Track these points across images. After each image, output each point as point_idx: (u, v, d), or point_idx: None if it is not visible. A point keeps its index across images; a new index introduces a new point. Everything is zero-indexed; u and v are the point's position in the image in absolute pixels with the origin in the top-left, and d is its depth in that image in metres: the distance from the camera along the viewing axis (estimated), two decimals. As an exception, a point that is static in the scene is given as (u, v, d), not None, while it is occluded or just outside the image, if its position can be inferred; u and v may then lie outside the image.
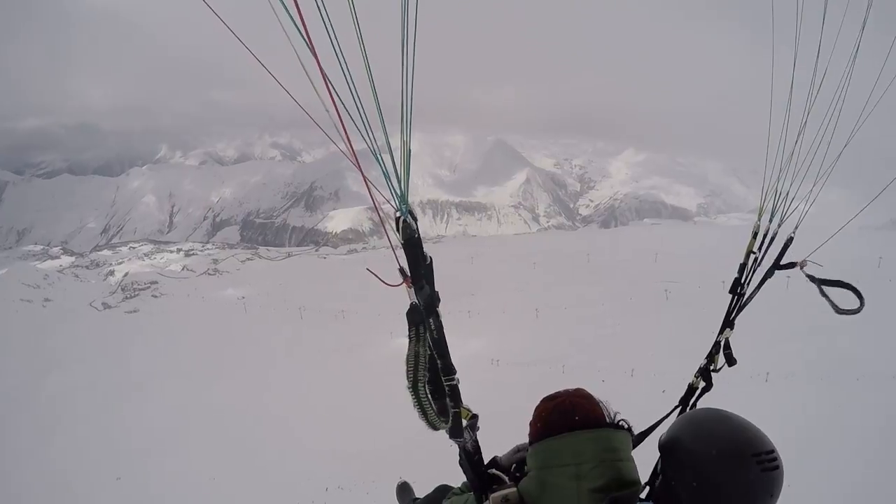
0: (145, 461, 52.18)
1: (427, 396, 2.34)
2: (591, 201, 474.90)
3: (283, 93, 1.76)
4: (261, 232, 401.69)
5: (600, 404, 2.65)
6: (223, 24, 1.76)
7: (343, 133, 1.86)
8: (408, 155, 2.11)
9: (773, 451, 2.25)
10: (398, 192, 2.14)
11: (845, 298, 3.67)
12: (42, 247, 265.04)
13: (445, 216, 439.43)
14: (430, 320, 2.38)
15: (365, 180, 2.13)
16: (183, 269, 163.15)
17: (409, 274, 2.28)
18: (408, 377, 2.29)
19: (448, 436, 2.70)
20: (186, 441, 54.69)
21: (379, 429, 47.38)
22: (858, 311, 3.57)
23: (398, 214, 2.18)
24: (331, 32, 1.71)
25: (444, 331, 2.49)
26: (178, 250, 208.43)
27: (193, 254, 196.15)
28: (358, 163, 2.04)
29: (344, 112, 1.85)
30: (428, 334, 2.38)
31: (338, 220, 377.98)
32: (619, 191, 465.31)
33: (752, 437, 2.30)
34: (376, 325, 76.97)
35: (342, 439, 48.74)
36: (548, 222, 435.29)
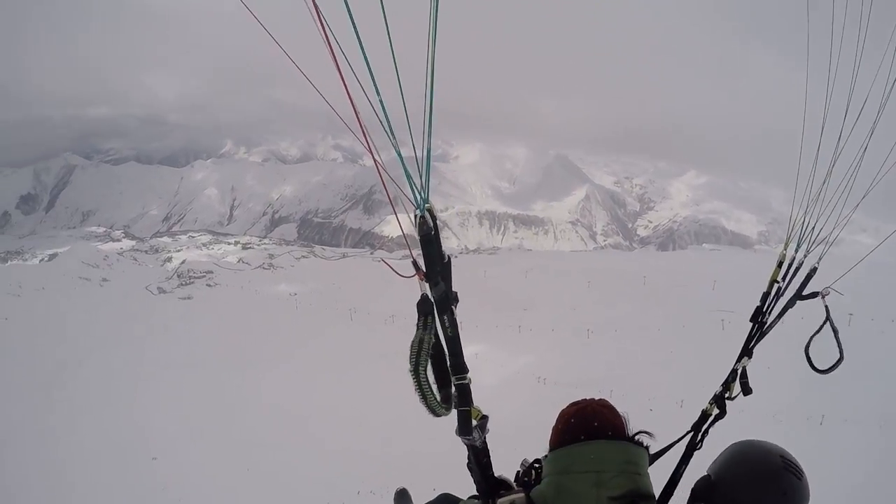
0: (182, 445, 52.47)
1: (427, 381, 2.37)
2: (650, 222, 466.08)
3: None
4: (318, 231, 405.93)
5: (622, 417, 2.67)
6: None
7: (360, 127, 1.98)
8: (429, 151, 2.13)
9: (798, 465, 2.52)
10: (418, 188, 2.19)
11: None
12: (105, 229, 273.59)
13: (502, 228, 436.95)
14: (445, 317, 2.45)
15: (381, 177, 2.24)
16: (239, 261, 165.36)
17: (422, 269, 2.36)
18: (410, 361, 2.33)
19: (456, 433, 2.71)
20: (225, 430, 54.87)
21: (419, 437, 46.66)
22: (832, 370, 3.65)
23: (417, 212, 2.22)
24: (357, 30, 1.74)
25: (459, 329, 2.54)
26: (236, 243, 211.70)
27: (250, 247, 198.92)
28: (373, 151, 2.15)
29: (369, 108, 1.96)
30: (441, 330, 2.45)
31: (395, 225, 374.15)
32: (679, 213, 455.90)
33: (779, 448, 2.60)
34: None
35: (381, 444, 48.25)
36: (605, 241, 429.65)
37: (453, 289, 2.46)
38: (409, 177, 2.12)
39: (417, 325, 2.36)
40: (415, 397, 2.31)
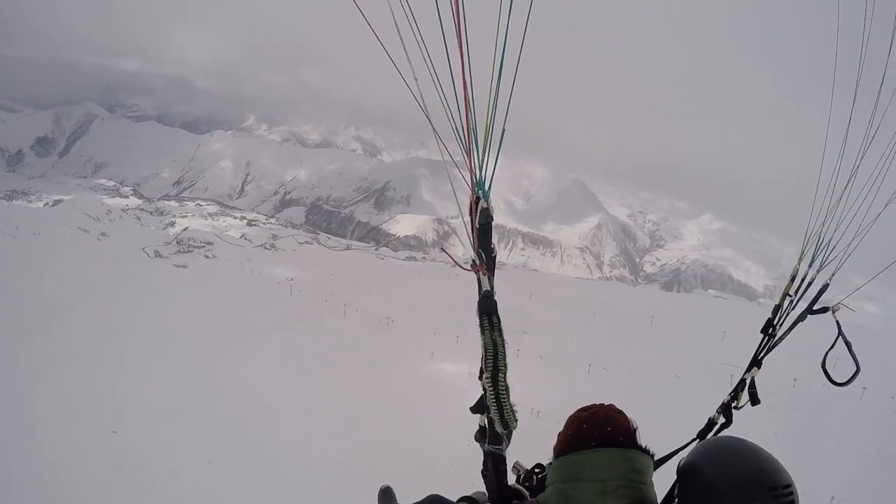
0: (146, 421, 49.95)
1: (507, 391, 2.38)
2: (658, 260, 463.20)
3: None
4: (326, 219, 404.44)
5: (632, 423, 2.61)
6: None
7: (453, 108, 1.97)
8: (501, 134, 2.12)
9: (789, 485, 2.29)
10: (479, 173, 2.15)
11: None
12: (114, 183, 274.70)
13: (510, 244, 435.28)
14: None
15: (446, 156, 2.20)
16: (241, 236, 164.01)
17: (483, 260, 2.29)
18: (486, 367, 2.35)
19: (486, 441, 2.70)
20: (193, 413, 52.24)
21: (394, 449, 44.26)
22: (850, 383, 3.62)
23: (477, 197, 2.18)
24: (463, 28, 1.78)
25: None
26: (242, 218, 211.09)
27: (255, 224, 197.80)
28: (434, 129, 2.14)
29: (432, 87, 1.93)
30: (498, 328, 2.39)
31: (403, 225, 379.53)
32: (689, 256, 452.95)
33: (769, 469, 2.34)
34: (420, 342, 73.44)
35: (352, 452, 45.52)
36: (611, 272, 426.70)
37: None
38: (468, 157, 2.10)
39: (482, 325, 2.32)
40: (401, 415, 2.27)
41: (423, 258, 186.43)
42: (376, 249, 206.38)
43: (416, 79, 1.91)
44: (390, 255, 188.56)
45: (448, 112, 1.93)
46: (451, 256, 2.52)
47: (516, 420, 2.42)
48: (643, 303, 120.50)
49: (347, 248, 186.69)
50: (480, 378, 2.36)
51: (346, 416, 52.85)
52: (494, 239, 2.28)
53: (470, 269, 2.26)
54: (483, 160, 2.04)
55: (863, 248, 3.80)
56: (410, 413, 53.32)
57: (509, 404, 2.32)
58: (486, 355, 2.28)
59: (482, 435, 2.68)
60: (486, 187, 2.10)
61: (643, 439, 2.56)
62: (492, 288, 2.28)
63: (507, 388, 2.31)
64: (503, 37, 1.81)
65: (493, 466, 2.83)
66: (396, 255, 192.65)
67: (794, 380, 57.55)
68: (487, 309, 2.28)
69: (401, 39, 1.77)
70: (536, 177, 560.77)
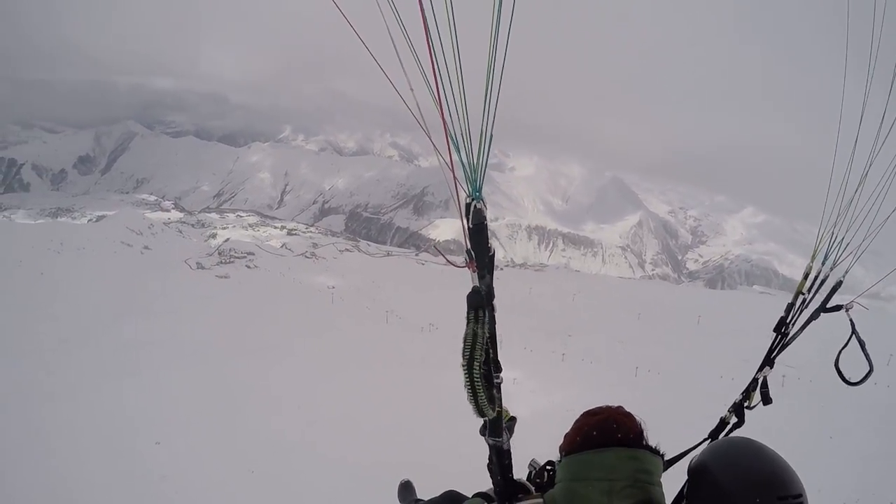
0: (188, 432, 49.26)
1: (480, 379, 2.41)
2: (701, 256, 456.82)
3: (406, 91, 1.99)
4: (365, 226, 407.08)
5: (640, 423, 2.62)
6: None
7: (439, 105, 1.94)
8: (489, 139, 2.12)
9: (800, 494, 2.25)
10: (471, 175, 2.18)
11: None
12: (156, 198, 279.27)
13: (551, 245, 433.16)
14: (486, 312, 2.45)
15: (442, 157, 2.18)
16: (282, 246, 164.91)
17: (474, 258, 2.35)
18: (463, 355, 2.38)
19: (487, 434, 2.77)
20: (235, 424, 51.36)
21: (441, 455, 43.19)
22: (863, 382, 3.51)
23: (469, 199, 2.22)
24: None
25: (496, 327, 2.49)
26: (282, 227, 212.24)
27: (296, 234, 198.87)
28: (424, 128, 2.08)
29: (423, 86, 1.94)
30: (488, 321, 2.44)
31: (443, 229, 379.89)
32: (732, 251, 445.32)
33: (780, 476, 2.29)
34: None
35: (405, 457, 44.17)
36: (653, 270, 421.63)
37: (494, 290, 2.42)
38: (462, 162, 2.13)
39: (468, 318, 2.36)
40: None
41: (465, 263, 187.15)
42: (416, 255, 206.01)
43: (412, 89, 1.92)
44: (431, 260, 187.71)
45: (441, 112, 1.93)
46: (442, 254, 1.96)
47: (493, 409, 2.44)
48: (688, 301, 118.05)
49: (388, 255, 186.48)
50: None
51: (390, 422, 51.73)
52: (493, 239, 2.32)
53: (462, 266, 2.36)
54: (477, 161, 2.07)
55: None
56: (456, 418, 52.58)
57: (483, 393, 2.33)
58: (463, 344, 2.32)
59: (484, 428, 2.72)
60: (478, 188, 2.11)
61: (653, 439, 2.54)
62: (488, 287, 2.31)
63: (482, 377, 2.32)
64: (495, 34, 1.76)
65: (497, 460, 2.89)
66: (437, 259, 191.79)
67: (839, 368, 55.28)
68: (474, 303, 2.32)
69: (393, 42, 1.76)
70: (574, 176, 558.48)
